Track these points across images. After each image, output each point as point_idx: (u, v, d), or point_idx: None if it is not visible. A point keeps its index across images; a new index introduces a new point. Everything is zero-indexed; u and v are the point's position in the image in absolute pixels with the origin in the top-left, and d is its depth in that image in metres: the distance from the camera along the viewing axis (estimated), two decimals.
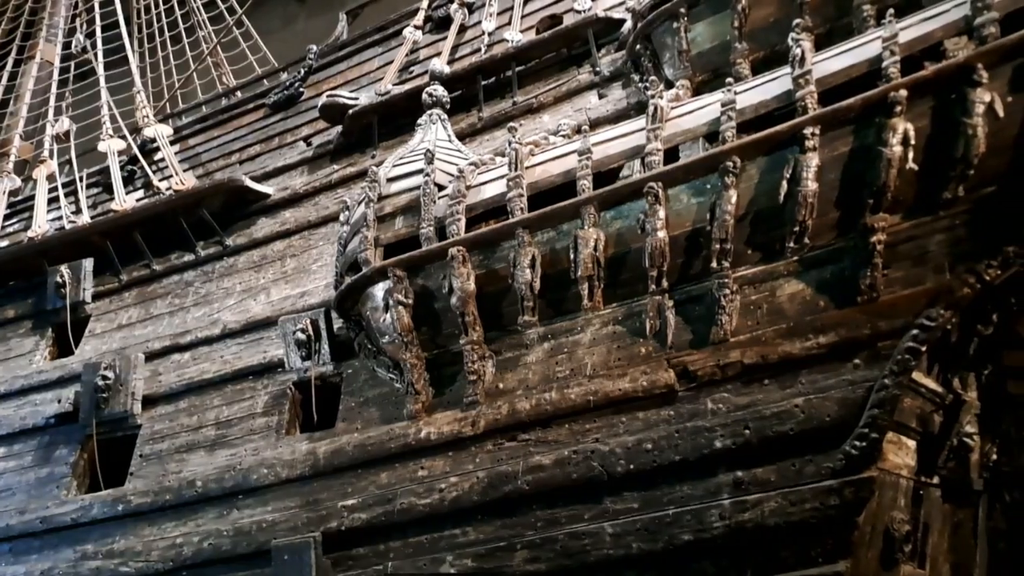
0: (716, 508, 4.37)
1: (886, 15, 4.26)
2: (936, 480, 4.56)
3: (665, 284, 4.71)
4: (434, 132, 6.16)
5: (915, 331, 4.06)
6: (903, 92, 4.03)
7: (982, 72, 3.91)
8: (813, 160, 4.22)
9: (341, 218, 6.10)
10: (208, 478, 6.35)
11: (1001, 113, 3.92)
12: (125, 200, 8.41)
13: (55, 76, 10.41)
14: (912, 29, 4.22)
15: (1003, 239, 4.02)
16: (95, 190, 9.13)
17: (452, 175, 5.44)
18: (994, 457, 4.73)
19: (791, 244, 4.41)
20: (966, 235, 4.09)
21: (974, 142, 3.94)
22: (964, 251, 4.10)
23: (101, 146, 9.09)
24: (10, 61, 11.16)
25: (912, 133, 4.04)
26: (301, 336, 6.32)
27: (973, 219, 4.08)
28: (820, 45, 4.56)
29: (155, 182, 8.43)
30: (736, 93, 4.58)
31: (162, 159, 8.72)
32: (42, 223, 8.82)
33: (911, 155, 4.05)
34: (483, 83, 6.86)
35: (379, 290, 5.53)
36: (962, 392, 4.48)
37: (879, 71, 4.15)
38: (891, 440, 4.22)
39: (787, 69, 4.46)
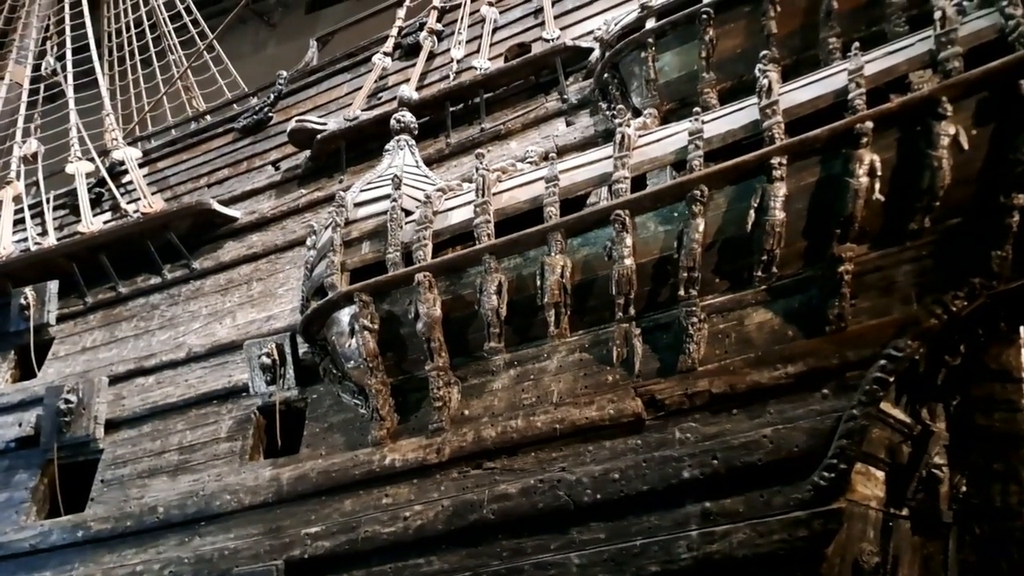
0: (684, 539, 4.15)
1: (852, 48, 4.16)
2: (905, 512, 4.39)
3: (632, 312, 4.52)
4: (402, 157, 5.98)
5: (883, 361, 3.91)
6: (869, 124, 3.92)
7: (947, 105, 3.82)
8: (781, 190, 4.08)
9: (308, 243, 5.86)
10: (170, 504, 6.03)
11: (966, 145, 3.83)
12: (92, 222, 8.08)
13: (24, 97, 10.02)
14: (878, 62, 4.11)
15: (969, 270, 3.89)
16: (62, 212, 8.81)
17: (419, 200, 5.23)
18: (963, 489, 4.57)
19: (759, 273, 4.24)
20: (933, 266, 3.96)
21: (940, 174, 3.83)
22: (931, 282, 3.96)
23: (69, 168, 8.76)
24: None
25: (878, 164, 3.92)
26: (266, 360, 6.06)
27: (939, 250, 3.96)
28: (787, 76, 4.46)
29: (123, 205, 8.11)
30: (704, 122, 4.44)
31: (130, 182, 8.39)
32: (7, 244, 8.43)
33: (877, 186, 3.92)
34: (451, 109, 6.68)
35: (345, 315, 5.28)
36: (931, 423, 4.33)
37: (845, 103, 4.03)
38: (860, 471, 4.05)
39: (754, 99, 4.32)
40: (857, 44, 4.16)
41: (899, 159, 3.94)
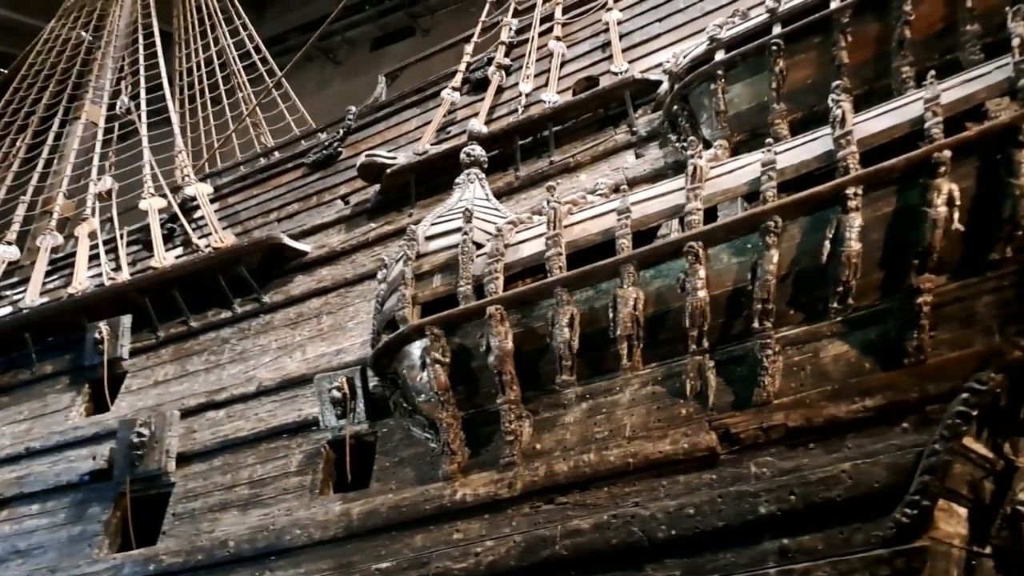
0: None
1: (926, 77, 4.31)
2: (988, 550, 4.43)
3: (706, 344, 4.68)
4: (472, 191, 6.26)
5: (965, 395, 4.00)
6: (947, 153, 4.03)
7: None
8: (856, 220, 4.22)
9: (379, 276, 6.16)
10: (240, 538, 6.33)
11: None
12: (164, 257, 8.59)
13: (99, 136, 10.77)
14: (954, 91, 4.26)
15: None
16: (135, 247, 9.35)
17: (490, 233, 5.49)
18: None
19: (835, 305, 4.39)
20: (1015, 296, 4.05)
21: (1021, 203, 3.93)
22: (1013, 313, 4.04)
23: (142, 204, 9.36)
24: (56, 122, 11.59)
25: (957, 194, 4.03)
26: (336, 394, 6.35)
27: (1021, 280, 4.05)
28: (858, 106, 4.59)
29: (194, 240, 8.63)
30: (776, 153, 4.61)
31: (201, 217, 8.93)
32: (82, 279, 9.02)
33: (956, 216, 4.03)
34: (520, 143, 6.97)
35: (416, 348, 5.55)
36: (1014, 458, 4.39)
37: (921, 132, 4.16)
38: (942, 508, 4.12)
39: (827, 129, 4.49)
40: (933, 73, 4.31)
41: (978, 188, 4.05)
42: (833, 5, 5.17)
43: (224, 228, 8.65)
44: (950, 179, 4.04)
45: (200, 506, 6.87)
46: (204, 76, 11.51)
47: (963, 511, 4.30)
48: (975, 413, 4.02)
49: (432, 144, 7.50)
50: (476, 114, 7.33)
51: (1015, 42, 4.09)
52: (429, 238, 5.80)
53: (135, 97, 10.68)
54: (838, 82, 4.65)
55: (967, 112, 4.19)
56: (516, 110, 7.22)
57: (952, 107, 4.19)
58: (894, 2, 5.00)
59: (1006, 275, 4.07)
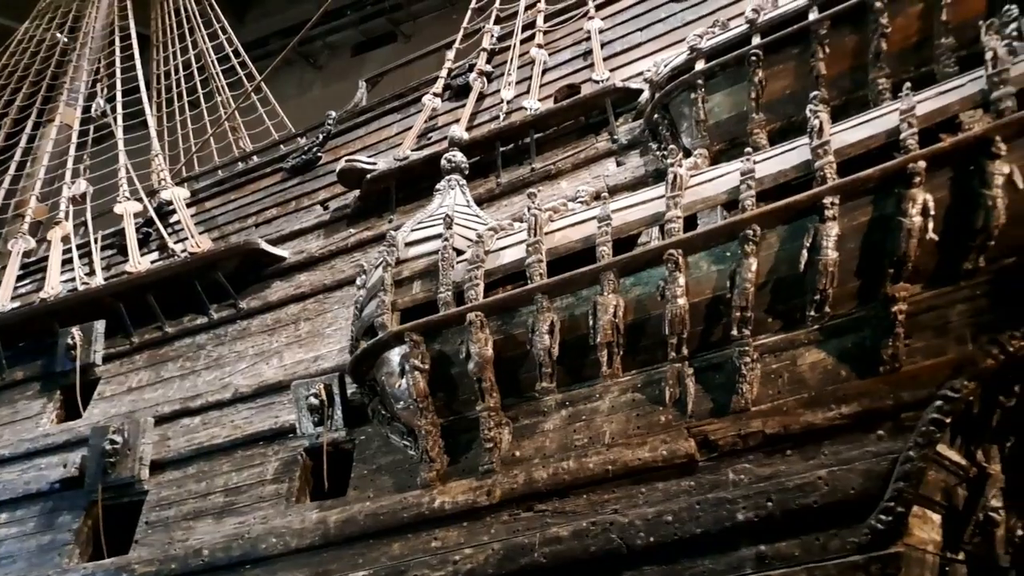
0: None
1: (902, 89, 4.43)
2: (962, 556, 4.53)
3: (685, 351, 4.77)
4: (453, 197, 6.32)
5: (939, 402, 4.10)
6: (922, 163, 4.15)
7: (1000, 144, 4.04)
8: (833, 229, 4.33)
9: (358, 282, 6.20)
10: (215, 547, 6.32)
11: (1020, 185, 4.04)
12: (139, 262, 8.57)
13: (74, 139, 10.73)
14: (929, 102, 4.38)
15: None
16: (110, 252, 9.33)
17: (471, 240, 5.55)
18: (1020, 532, 4.70)
19: (812, 313, 4.49)
20: (987, 305, 4.17)
21: (994, 213, 4.05)
22: (986, 321, 4.17)
23: (117, 208, 9.33)
24: (29, 124, 11.53)
25: (931, 204, 4.14)
26: (314, 401, 6.37)
27: (994, 289, 4.16)
28: (836, 117, 4.72)
29: (170, 244, 8.62)
30: (755, 162, 4.72)
31: (178, 222, 8.92)
32: (55, 284, 8.99)
33: (931, 225, 4.15)
34: (501, 149, 7.06)
35: (395, 355, 5.59)
36: (986, 465, 4.50)
37: (897, 143, 4.28)
38: (917, 514, 4.21)
39: (805, 139, 4.61)
40: (908, 84, 4.44)
41: (952, 198, 4.17)
42: (811, 17, 5.30)
43: (201, 233, 8.66)
44: (925, 189, 4.16)
45: (174, 514, 6.85)
46: (182, 79, 11.50)
47: (937, 517, 4.40)
48: (949, 420, 4.13)
49: (413, 150, 7.55)
50: (457, 120, 7.40)
51: (988, 55, 4.21)
52: (409, 244, 5.85)
53: (111, 99, 10.65)
54: (816, 93, 4.76)
55: (941, 124, 4.31)
56: (498, 117, 7.30)
57: (927, 119, 4.31)
58: (871, 15, 5.13)
59: (979, 284, 4.20)
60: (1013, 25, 4.41)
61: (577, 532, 4.81)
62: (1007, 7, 4.48)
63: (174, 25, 12.66)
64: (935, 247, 4.19)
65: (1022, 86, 4.13)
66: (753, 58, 5.40)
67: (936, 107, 4.35)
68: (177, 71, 11.36)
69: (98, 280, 8.76)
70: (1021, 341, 4.08)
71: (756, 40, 5.46)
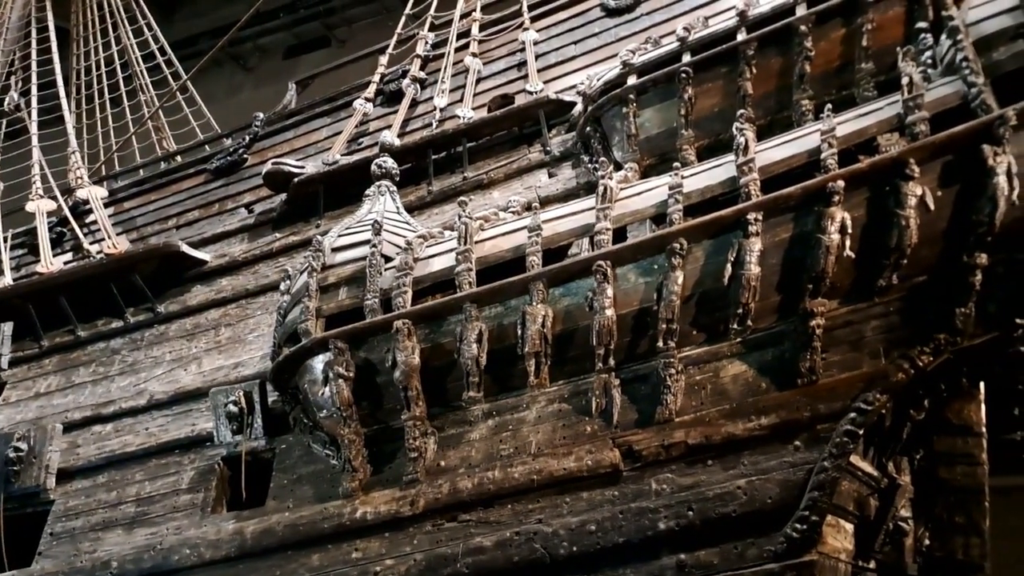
0: None
1: (824, 110, 4.62)
2: (873, 565, 4.72)
3: (612, 362, 4.86)
4: (382, 203, 6.30)
5: (853, 414, 4.28)
6: (840, 183, 4.34)
7: (914, 166, 4.25)
8: (756, 244, 4.48)
9: (282, 287, 6.14)
10: (124, 559, 6.18)
11: (932, 206, 4.25)
12: (52, 263, 8.32)
13: None
14: (848, 124, 4.58)
15: (934, 327, 4.31)
16: (20, 251, 9.03)
17: (399, 247, 5.55)
18: (927, 542, 4.92)
19: (735, 326, 4.63)
20: (900, 322, 4.38)
21: (907, 232, 4.25)
22: (898, 337, 4.37)
23: (29, 206, 9.03)
24: None
25: (849, 222, 4.33)
26: (233, 409, 6.27)
27: (907, 306, 4.38)
28: (761, 136, 4.89)
29: (85, 245, 8.38)
30: (683, 177, 4.85)
31: (94, 222, 8.68)
32: None
33: (848, 243, 4.33)
34: (434, 157, 7.06)
35: (319, 362, 5.54)
36: (897, 476, 4.69)
37: (818, 162, 4.46)
38: (830, 524, 4.38)
39: (731, 156, 4.75)
40: (829, 106, 4.64)
41: (869, 217, 4.37)
42: (740, 37, 5.47)
43: (119, 234, 8.43)
44: (843, 208, 4.35)
45: (81, 525, 6.67)
46: (104, 75, 11.19)
47: (850, 527, 4.58)
48: (862, 432, 4.31)
49: (343, 154, 7.51)
50: (389, 126, 7.38)
51: (904, 81, 4.43)
52: (336, 249, 5.81)
53: (26, 93, 10.31)
54: (742, 111, 4.92)
55: (861, 145, 4.52)
56: (430, 124, 7.30)
57: (846, 140, 4.51)
58: (796, 38, 5.34)
59: (892, 301, 4.41)
60: (929, 52, 4.66)
61: (501, 542, 4.84)
62: (923, 35, 4.72)
63: (96, 20, 12.31)
64: (852, 264, 4.38)
65: (936, 111, 4.35)
66: (683, 75, 5.56)
67: (855, 129, 4.56)
68: (99, 67, 11.04)
69: (7, 280, 8.46)
70: (930, 356, 4.29)
71: (687, 58, 5.62)
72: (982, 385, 5.05)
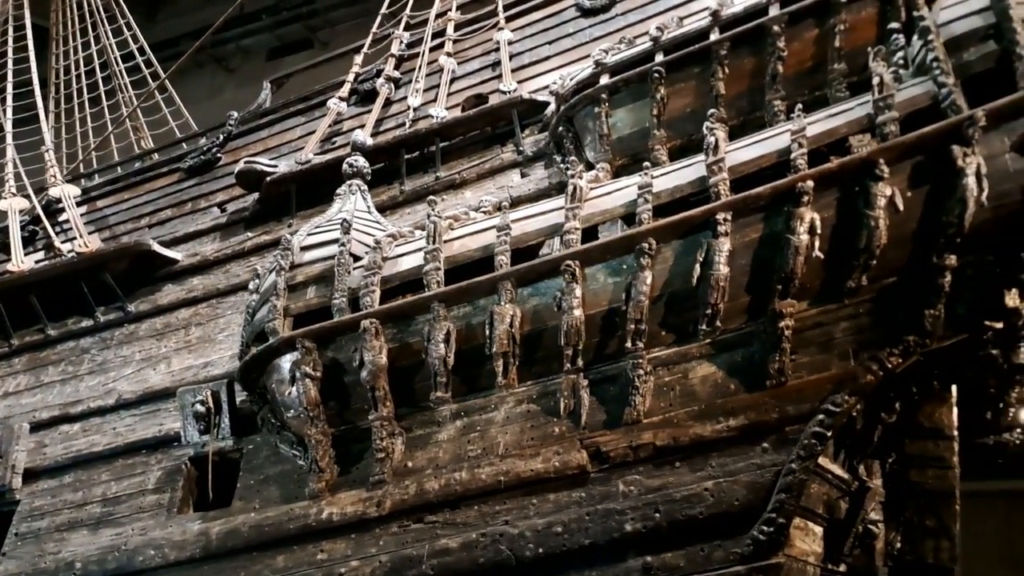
0: None
1: (795, 110, 4.55)
2: (843, 568, 4.64)
3: (580, 363, 4.76)
4: (353, 202, 6.20)
5: (821, 416, 4.20)
6: (810, 183, 4.26)
7: (883, 167, 4.17)
8: (725, 245, 4.39)
9: (251, 286, 6.02)
10: (89, 559, 6.06)
11: (901, 207, 4.18)
12: (22, 261, 8.17)
13: None
14: (819, 124, 4.50)
15: (904, 328, 4.23)
16: None
17: (368, 246, 5.44)
18: (898, 545, 4.84)
19: (703, 327, 4.54)
20: (869, 323, 4.30)
21: (876, 233, 4.17)
22: (868, 339, 4.29)
23: (1, 204, 8.87)
24: None
25: (818, 222, 4.25)
26: (200, 408, 6.16)
27: (876, 308, 4.29)
28: (734, 136, 4.82)
29: (57, 243, 8.22)
30: (653, 177, 4.77)
31: (67, 221, 8.53)
32: None
33: (817, 243, 4.25)
34: (406, 157, 6.97)
35: (286, 362, 5.43)
36: (867, 479, 4.61)
37: (788, 162, 4.38)
38: (798, 526, 4.29)
39: (702, 157, 4.67)
40: (800, 106, 4.56)
41: (838, 218, 4.28)
42: (712, 37, 5.39)
43: (91, 233, 8.29)
44: (812, 208, 4.27)
45: (46, 525, 6.55)
46: (83, 75, 11.01)
47: (818, 529, 4.49)
48: (831, 434, 4.22)
49: (316, 154, 7.40)
50: (363, 126, 7.27)
51: (875, 81, 4.36)
52: (304, 248, 5.71)
53: (1, 91, 10.12)
54: (713, 111, 4.84)
55: (831, 146, 4.43)
56: (404, 124, 7.20)
57: (816, 140, 4.42)
58: (769, 38, 5.27)
59: (861, 302, 4.32)
60: (900, 53, 4.59)
61: (467, 544, 4.75)
62: (895, 36, 4.65)
63: (75, 19, 12.14)
64: (821, 265, 4.29)
65: (906, 111, 4.28)
66: (656, 75, 5.48)
67: (825, 129, 4.47)
68: (78, 67, 10.86)
69: None
70: (900, 358, 4.21)
71: (659, 57, 5.54)
72: (954, 389, 4.99)
